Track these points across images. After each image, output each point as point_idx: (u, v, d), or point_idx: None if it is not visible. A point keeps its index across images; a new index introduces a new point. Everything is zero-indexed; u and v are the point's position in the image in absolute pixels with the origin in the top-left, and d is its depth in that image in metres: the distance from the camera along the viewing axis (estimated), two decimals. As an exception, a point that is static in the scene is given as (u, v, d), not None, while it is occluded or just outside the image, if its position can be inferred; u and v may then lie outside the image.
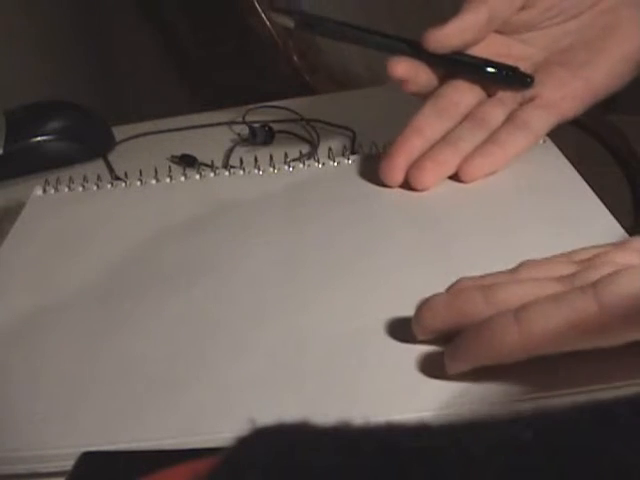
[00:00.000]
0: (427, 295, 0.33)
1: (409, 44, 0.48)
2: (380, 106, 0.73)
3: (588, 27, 0.49)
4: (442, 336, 0.32)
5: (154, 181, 0.52)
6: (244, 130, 0.68)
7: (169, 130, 0.72)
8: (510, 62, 0.48)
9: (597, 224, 0.42)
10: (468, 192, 0.47)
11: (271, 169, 0.52)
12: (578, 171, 0.48)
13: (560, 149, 0.51)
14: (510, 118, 0.48)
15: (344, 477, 0.12)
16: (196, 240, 0.44)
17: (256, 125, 0.66)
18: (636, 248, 0.33)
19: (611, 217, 0.42)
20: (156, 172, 0.53)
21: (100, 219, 0.48)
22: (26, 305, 0.39)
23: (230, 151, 0.65)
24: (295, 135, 0.67)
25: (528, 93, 0.49)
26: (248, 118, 0.70)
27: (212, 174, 0.52)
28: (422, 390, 0.31)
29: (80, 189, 0.52)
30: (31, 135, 0.64)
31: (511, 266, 0.35)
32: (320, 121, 0.68)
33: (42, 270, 0.43)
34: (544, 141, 0.52)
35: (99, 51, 1.48)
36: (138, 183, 0.52)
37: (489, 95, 0.50)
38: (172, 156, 0.64)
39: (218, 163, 0.60)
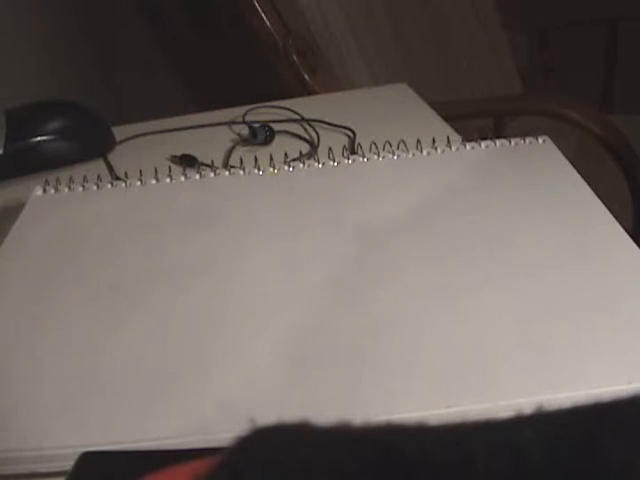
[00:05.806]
0: (428, 295, 0.33)
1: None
2: (380, 106, 0.73)
3: None
4: None
5: (154, 181, 0.52)
6: (244, 130, 0.68)
7: (169, 130, 0.72)
8: None
9: (597, 224, 0.42)
10: (469, 194, 0.47)
11: (271, 169, 0.52)
12: (578, 171, 0.48)
13: (560, 149, 0.51)
14: None
15: (344, 477, 0.12)
16: (196, 240, 0.44)
17: (256, 125, 0.66)
18: None
19: (611, 217, 0.42)
20: (156, 172, 0.53)
21: (100, 219, 0.48)
22: (26, 305, 0.39)
23: (230, 151, 0.65)
24: (295, 135, 0.67)
25: None
26: (248, 118, 0.70)
27: (212, 174, 0.52)
28: (422, 390, 0.31)
29: (80, 189, 0.52)
30: (31, 135, 0.64)
31: (510, 265, 0.34)
32: (320, 121, 0.68)
33: (42, 270, 0.43)
34: (544, 141, 0.52)
35: (99, 51, 1.49)
36: (138, 183, 0.52)
37: None
38: (172, 156, 0.64)
39: (218, 163, 0.60)
